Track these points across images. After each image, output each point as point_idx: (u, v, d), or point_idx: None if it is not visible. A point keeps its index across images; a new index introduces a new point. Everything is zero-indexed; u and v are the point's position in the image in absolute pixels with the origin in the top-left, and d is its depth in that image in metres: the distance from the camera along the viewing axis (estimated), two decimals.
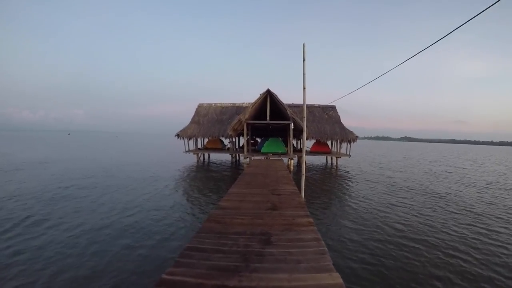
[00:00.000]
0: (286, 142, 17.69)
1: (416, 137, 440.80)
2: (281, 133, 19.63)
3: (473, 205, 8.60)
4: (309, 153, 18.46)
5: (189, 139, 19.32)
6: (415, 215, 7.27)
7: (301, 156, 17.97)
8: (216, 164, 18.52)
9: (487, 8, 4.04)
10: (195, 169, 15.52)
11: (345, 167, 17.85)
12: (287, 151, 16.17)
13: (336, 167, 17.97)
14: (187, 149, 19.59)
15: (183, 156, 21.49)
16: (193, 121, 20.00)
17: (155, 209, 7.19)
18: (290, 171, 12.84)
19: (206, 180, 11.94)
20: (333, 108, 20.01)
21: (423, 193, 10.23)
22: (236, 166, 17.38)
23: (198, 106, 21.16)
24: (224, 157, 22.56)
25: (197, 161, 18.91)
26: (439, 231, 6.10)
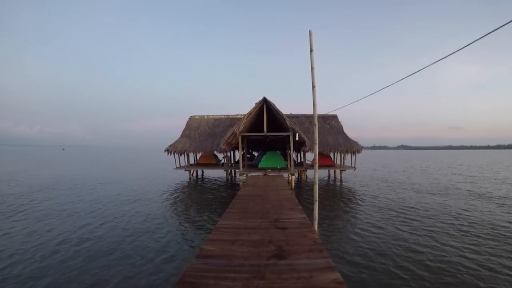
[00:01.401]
0: (285, 156, 16.34)
1: (413, 145, 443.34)
2: (280, 146, 18.30)
3: None
4: (310, 166, 17.03)
5: (180, 155, 17.87)
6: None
7: (302, 170, 16.71)
8: (210, 180, 16.94)
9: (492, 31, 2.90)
10: (187, 189, 13.91)
11: (348, 182, 16.33)
12: (287, 165, 14.80)
13: (341, 181, 16.53)
14: (178, 165, 18.10)
15: (174, 173, 19.74)
16: (183, 134, 18.65)
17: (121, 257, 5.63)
18: (291, 188, 11.42)
19: (197, 205, 10.30)
20: (334, 117, 18.90)
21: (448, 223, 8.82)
22: (231, 184, 15.74)
23: (189, 118, 19.89)
24: (219, 174, 20.81)
25: (190, 179, 17.33)
26: None
